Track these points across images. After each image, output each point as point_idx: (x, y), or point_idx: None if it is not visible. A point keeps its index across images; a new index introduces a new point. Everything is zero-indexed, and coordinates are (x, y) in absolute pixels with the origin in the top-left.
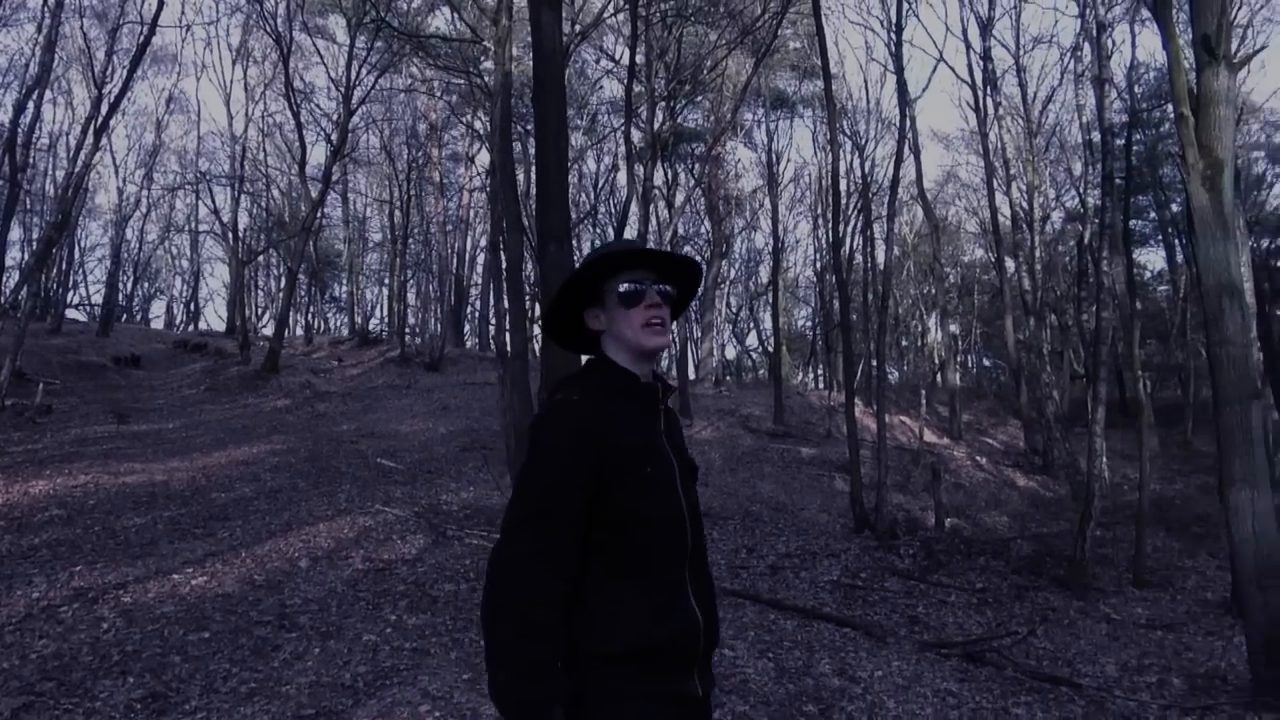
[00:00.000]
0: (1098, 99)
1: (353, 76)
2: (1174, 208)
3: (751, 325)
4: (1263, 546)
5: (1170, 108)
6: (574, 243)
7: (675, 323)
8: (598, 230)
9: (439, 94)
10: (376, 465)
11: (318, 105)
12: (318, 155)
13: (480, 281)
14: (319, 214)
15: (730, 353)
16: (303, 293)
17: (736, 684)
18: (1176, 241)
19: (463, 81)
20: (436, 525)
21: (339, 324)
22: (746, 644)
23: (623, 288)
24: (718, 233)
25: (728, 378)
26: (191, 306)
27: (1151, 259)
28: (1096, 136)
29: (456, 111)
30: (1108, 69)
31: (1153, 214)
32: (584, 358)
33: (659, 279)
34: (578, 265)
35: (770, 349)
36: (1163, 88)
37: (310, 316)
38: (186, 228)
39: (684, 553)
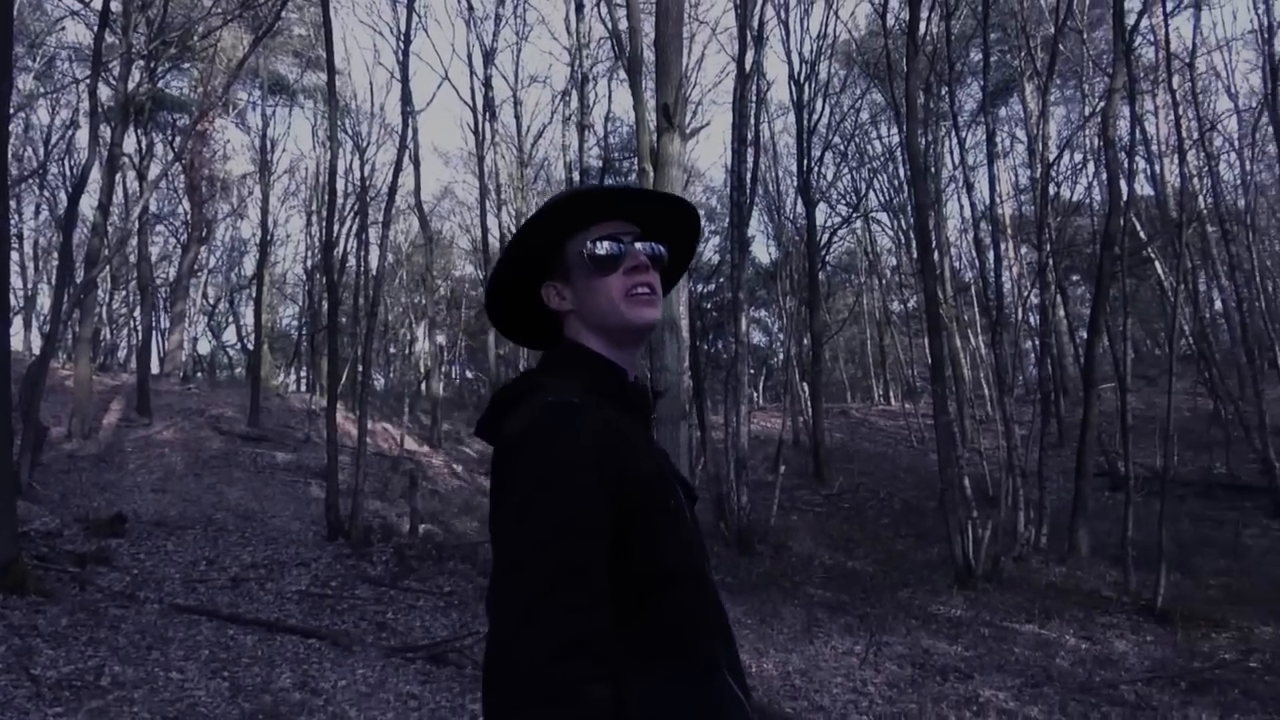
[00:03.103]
0: (579, 143)
1: None
2: None
3: (231, 319)
4: None
5: (636, 161)
6: (11, 204)
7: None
8: (45, 194)
9: None
10: None
11: None
12: None
13: None
14: None
15: (204, 347)
16: None
17: (184, 709)
18: None
19: None
20: None
21: None
22: (199, 664)
23: (595, 247)
24: (198, 215)
25: (199, 374)
26: None
27: None
28: (576, 176)
29: None
30: (589, 117)
31: None
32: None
33: (642, 234)
34: (524, 220)
35: (250, 346)
36: (632, 143)
37: None
38: None
39: (721, 615)
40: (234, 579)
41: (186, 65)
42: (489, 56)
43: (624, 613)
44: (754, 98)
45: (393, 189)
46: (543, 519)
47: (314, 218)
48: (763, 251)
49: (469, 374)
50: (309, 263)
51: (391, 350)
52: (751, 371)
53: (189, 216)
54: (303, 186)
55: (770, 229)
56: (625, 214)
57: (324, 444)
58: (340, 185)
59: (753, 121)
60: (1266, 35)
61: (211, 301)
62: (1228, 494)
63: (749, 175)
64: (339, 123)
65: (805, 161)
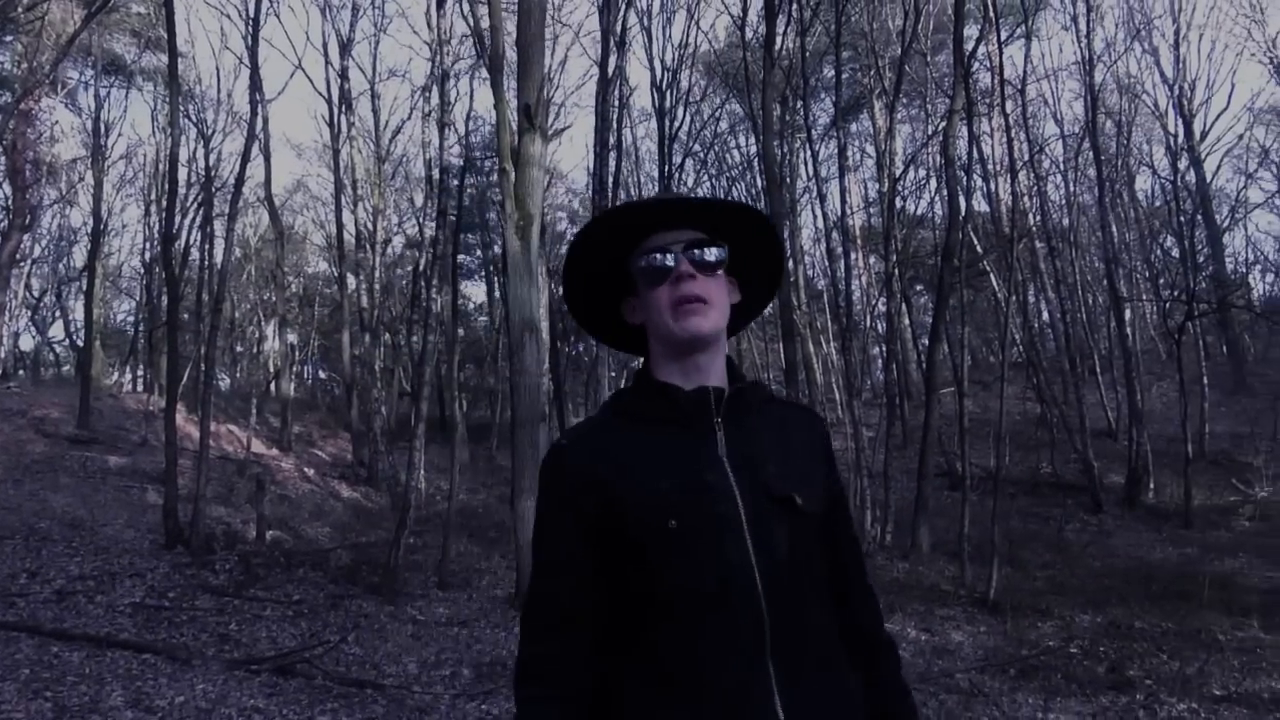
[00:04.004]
0: (439, 140)
1: None
2: (495, 249)
3: (58, 314)
4: None
5: (497, 160)
6: None
7: (726, 297)
8: None
9: None
10: None
11: None
12: None
13: None
14: None
15: (27, 343)
16: None
17: None
18: (495, 279)
19: None
20: None
21: None
22: (18, 685)
23: (642, 261)
24: (21, 201)
25: (20, 372)
26: None
27: (475, 292)
28: (436, 174)
29: None
30: (450, 114)
31: (479, 251)
32: None
33: (699, 241)
34: (572, 241)
35: (80, 343)
36: (494, 141)
37: None
38: None
39: (755, 640)
40: (59, 592)
41: (10, 39)
42: (345, 47)
43: (627, 637)
44: (616, 102)
45: (240, 180)
46: (534, 558)
47: (153, 207)
48: None
49: (322, 374)
50: (147, 255)
51: (238, 349)
52: (613, 374)
53: (10, 202)
54: (141, 174)
55: None
56: (686, 220)
57: (162, 447)
58: (183, 174)
59: (615, 126)
60: (1088, 67)
61: (36, 294)
62: (1053, 492)
63: (611, 179)
64: (181, 108)
65: (666, 167)
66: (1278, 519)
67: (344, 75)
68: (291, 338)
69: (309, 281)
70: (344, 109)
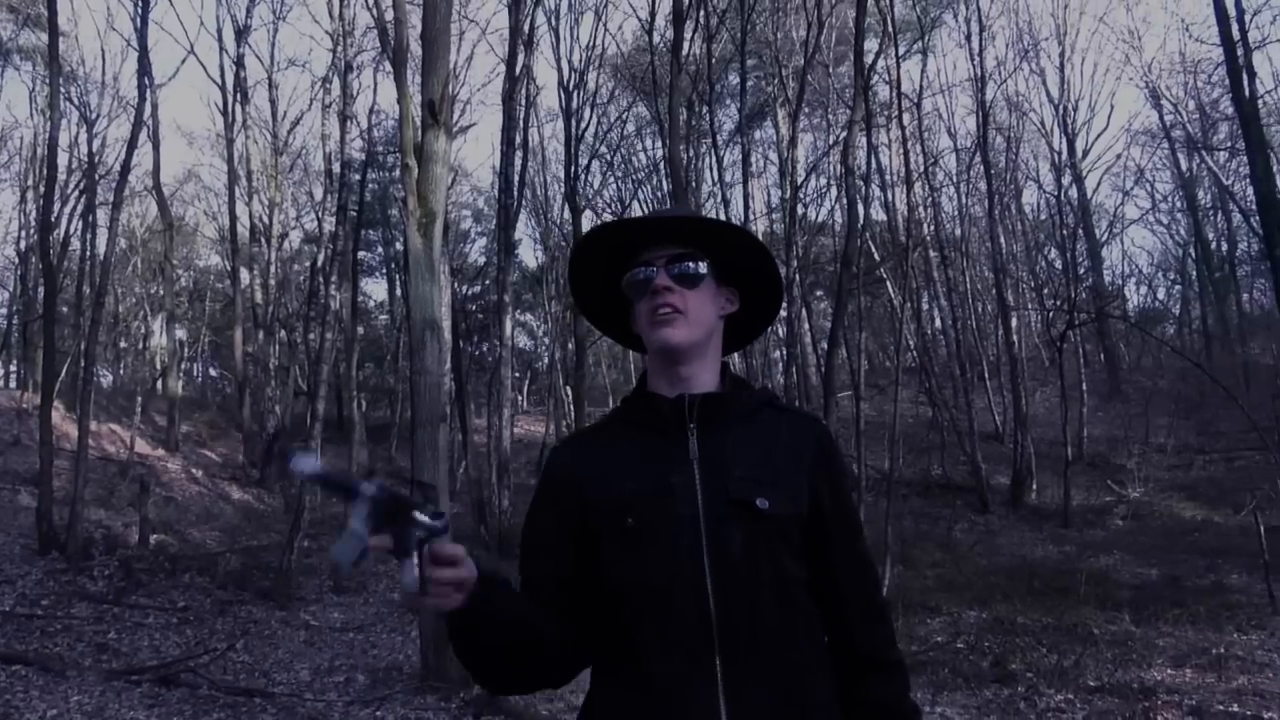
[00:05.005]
0: (340, 133)
1: None
2: (397, 246)
3: None
4: None
5: (400, 156)
6: None
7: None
8: None
9: None
10: None
11: None
12: None
13: None
14: None
15: None
16: None
17: None
18: (396, 276)
19: None
20: None
21: None
22: None
23: (628, 277)
24: None
25: None
26: None
27: (375, 289)
28: (337, 167)
29: None
30: (352, 107)
31: (380, 248)
32: None
33: (680, 255)
34: (572, 253)
35: None
36: (396, 137)
37: None
38: None
39: (702, 637)
40: None
41: None
42: (242, 33)
43: (600, 623)
44: (523, 101)
45: (125, 167)
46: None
47: (30, 194)
48: (530, 255)
49: (213, 372)
50: (23, 244)
51: (122, 345)
52: (516, 375)
53: None
54: (17, 158)
55: (537, 233)
56: (676, 237)
57: (36, 447)
58: (63, 160)
59: (521, 125)
60: (980, 84)
61: None
62: (943, 493)
63: (517, 178)
64: (63, 90)
65: (573, 168)
66: (1149, 518)
67: (240, 63)
68: (180, 333)
69: (200, 275)
70: (239, 98)
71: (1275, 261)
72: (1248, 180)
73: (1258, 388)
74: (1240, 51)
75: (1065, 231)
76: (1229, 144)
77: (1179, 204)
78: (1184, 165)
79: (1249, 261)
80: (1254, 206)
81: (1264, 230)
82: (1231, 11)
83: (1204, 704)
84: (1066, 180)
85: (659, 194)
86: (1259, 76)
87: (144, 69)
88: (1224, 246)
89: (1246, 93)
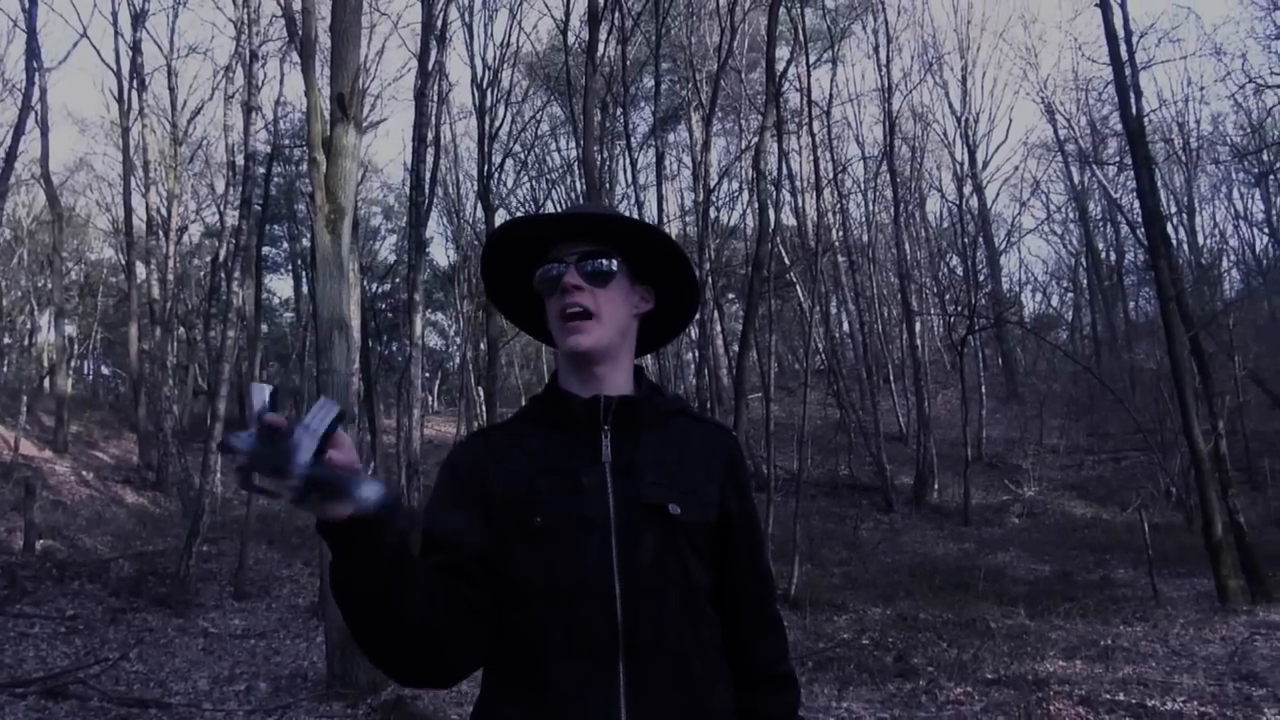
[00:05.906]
0: (245, 124)
1: None
2: (303, 242)
3: None
4: None
5: (307, 150)
6: None
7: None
8: None
9: None
10: None
11: None
12: None
13: None
14: None
15: None
16: None
17: None
18: (302, 273)
19: None
20: None
21: None
22: None
23: (539, 273)
24: None
25: None
26: None
27: (281, 286)
28: (240, 160)
29: None
30: (257, 98)
31: (286, 244)
32: None
33: (590, 252)
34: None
35: None
36: (303, 130)
37: None
38: None
39: (607, 641)
40: None
41: None
42: (139, 18)
43: (497, 621)
44: (435, 97)
45: (11, 154)
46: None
47: None
48: (441, 254)
49: (105, 370)
50: None
51: (6, 340)
52: (426, 375)
53: None
54: None
55: (450, 231)
56: (587, 235)
57: None
58: None
59: (434, 121)
60: (887, 95)
61: None
62: (850, 493)
63: (428, 175)
64: None
65: (486, 166)
66: (1043, 516)
67: (136, 48)
68: (70, 329)
69: (91, 269)
70: (136, 84)
71: (1159, 271)
72: (1134, 194)
73: (1143, 391)
74: (1128, 71)
75: (966, 239)
76: (1118, 159)
77: (1072, 215)
78: (1076, 178)
79: (1135, 271)
80: (1140, 219)
81: (1148, 242)
82: (1120, 33)
83: (1093, 694)
84: (968, 190)
85: (573, 194)
86: (1145, 95)
87: (33, 51)
88: (1112, 256)
89: (1134, 110)
